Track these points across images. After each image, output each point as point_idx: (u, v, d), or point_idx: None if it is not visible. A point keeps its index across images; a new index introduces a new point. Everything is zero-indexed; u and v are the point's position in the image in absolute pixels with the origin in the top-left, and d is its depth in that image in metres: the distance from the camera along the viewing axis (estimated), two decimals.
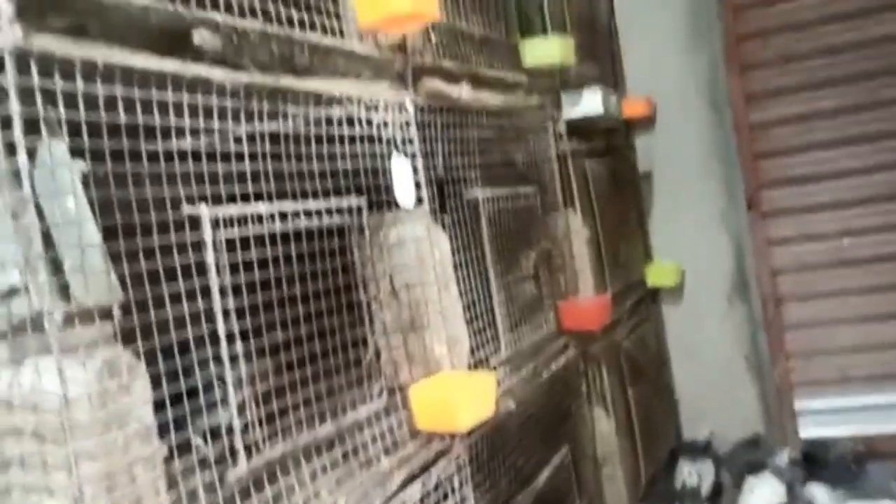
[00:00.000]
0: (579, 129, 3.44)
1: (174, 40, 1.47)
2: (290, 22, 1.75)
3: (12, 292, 1.15)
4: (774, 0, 4.00)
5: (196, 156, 1.44)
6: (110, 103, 1.28)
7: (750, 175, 4.07)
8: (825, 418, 3.84)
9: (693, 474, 3.63)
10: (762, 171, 4.06)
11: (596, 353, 3.42)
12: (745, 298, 4.27)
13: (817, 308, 4.08)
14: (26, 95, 1.15)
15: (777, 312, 4.11)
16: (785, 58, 3.98)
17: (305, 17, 1.79)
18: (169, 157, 1.38)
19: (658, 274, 4.30)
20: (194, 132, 1.46)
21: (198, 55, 1.52)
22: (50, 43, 1.19)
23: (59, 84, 1.19)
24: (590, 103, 3.29)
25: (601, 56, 4.01)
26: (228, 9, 1.56)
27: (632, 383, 3.75)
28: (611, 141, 4.03)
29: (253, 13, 1.63)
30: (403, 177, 2.10)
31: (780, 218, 4.08)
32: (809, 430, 3.96)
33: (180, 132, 1.42)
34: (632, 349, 3.86)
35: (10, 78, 1.12)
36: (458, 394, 2.03)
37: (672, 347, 4.51)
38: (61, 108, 1.19)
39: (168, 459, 1.29)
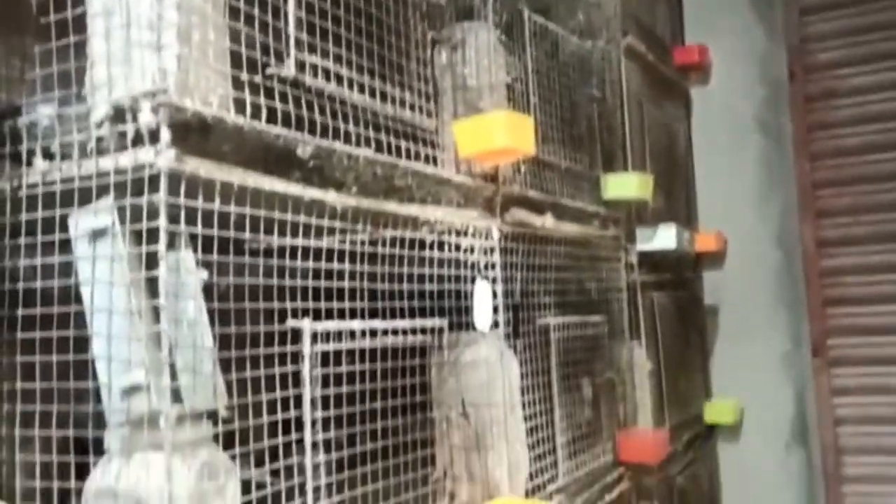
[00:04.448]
0: (650, 259, 3.51)
1: (294, 164, 1.60)
2: (397, 151, 1.88)
3: (134, 389, 1.24)
4: (852, 151, 4.07)
5: (304, 273, 1.55)
6: (239, 221, 1.40)
7: (817, 322, 4.05)
8: None
9: None
10: (830, 319, 4.04)
11: (649, 487, 3.38)
12: (803, 445, 4.18)
13: (879, 463, 3.97)
14: (173, 211, 1.27)
15: (837, 464, 4.01)
16: (859, 208, 4.02)
17: (411, 147, 1.93)
18: (281, 273, 1.49)
19: (716, 412, 4.25)
20: (304, 250, 1.57)
21: (313, 178, 1.65)
22: (198, 166, 1.32)
23: (200, 202, 1.32)
24: (664, 238, 3.36)
25: (677, 189, 4.11)
26: (347, 138, 1.70)
27: None
28: (680, 273, 4.08)
29: (367, 142, 1.77)
30: (483, 301, 2.18)
31: (845, 367, 4.03)
32: None
33: (293, 250, 1.54)
34: (685, 486, 3.79)
35: (163, 196, 1.24)
36: None
37: (724, 487, 4.40)
38: (199, 225, 1.32)
39: None
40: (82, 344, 1.31)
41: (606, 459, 3.00)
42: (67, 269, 1.32)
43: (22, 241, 1.37)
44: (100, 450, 1.29)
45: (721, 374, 4.41)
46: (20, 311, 1.37)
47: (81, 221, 1.31)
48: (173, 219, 1.27)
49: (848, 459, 4.02)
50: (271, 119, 1.49)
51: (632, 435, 3.16)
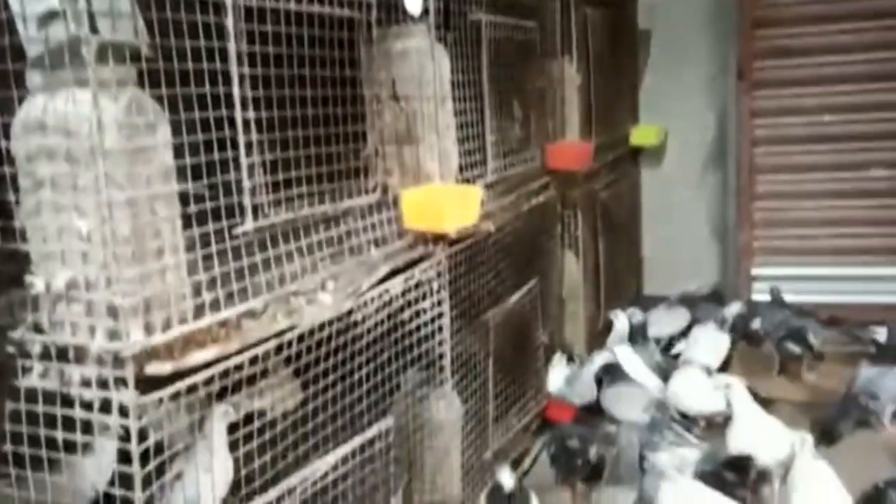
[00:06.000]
0: None
1: None
2: None
3: (51, 16, 1.20)
4: None
5: None
6: None
7: (745, 44, 4.10)
8: (782, 285, 4.03)
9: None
10: (758, 41, 4.09)
11: (574, 198, 3.55)
12: (721, 167, 4.40)
13: (787, 181, 4.22)
14: None
15: (749, 181, 4.24)
16: None
17: None
18: None
19: (642, 134, 4.39)
20: None
21: None
22: None
23: None
24: None
25: None
26: None
27: (603, 233, 3.90)
28: None
29: None
30: None
31: (766, 90, 4.15)
32: (764, 295, 4.18)
33: None
34: (607, 201, 3.99)
35: None
36: (445, 198, 2.15)
37: (645, 207, 4.66)
38: None
39: (184, 205, 1.39)
40: None
41: (534, 166, 3.11)
42: None
43: None
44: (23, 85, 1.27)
45: (649, 99, 4.50)
46: None
47: None
48: None
49: (760, 178, 4.25)
50: None
51: (559, 144, 3.26)
